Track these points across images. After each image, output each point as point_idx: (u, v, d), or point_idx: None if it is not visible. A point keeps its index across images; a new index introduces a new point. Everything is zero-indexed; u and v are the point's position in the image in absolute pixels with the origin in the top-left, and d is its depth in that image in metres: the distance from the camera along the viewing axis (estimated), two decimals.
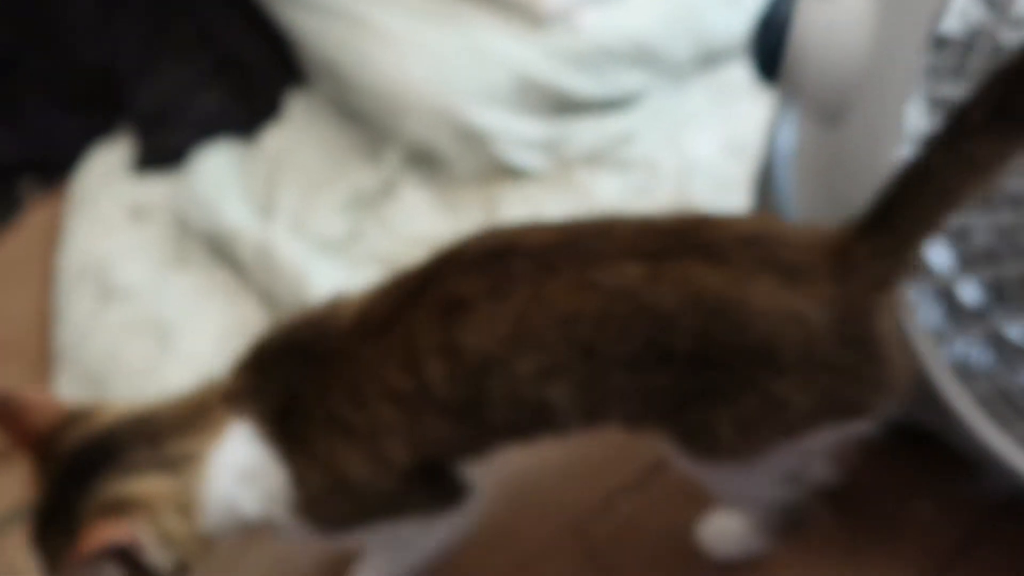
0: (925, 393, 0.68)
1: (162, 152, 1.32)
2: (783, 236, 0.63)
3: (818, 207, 0.76)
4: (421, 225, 1.21)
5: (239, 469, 0.68)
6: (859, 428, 0.65)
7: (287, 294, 1.10)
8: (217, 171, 1.28)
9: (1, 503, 1.03)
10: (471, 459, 0.74)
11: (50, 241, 1.28)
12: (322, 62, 1.31)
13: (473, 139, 1.22)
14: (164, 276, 1.19)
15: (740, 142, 1.19)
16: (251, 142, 1.34)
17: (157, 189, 1.30)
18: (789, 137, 0.81)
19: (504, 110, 1.24)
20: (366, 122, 1.29)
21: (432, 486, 0.74)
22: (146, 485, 0.65)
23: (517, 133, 1.23)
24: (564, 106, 1.26)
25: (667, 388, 0.65)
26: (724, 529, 0.83)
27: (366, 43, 1.27)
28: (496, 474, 0.97)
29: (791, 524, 0.81)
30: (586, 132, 1.24)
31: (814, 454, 0.70)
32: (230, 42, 1.40)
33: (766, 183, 0.83)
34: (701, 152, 1.20)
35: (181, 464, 0.66)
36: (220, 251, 1.19)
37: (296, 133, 1.33)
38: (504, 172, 1.23)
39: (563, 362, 0.65)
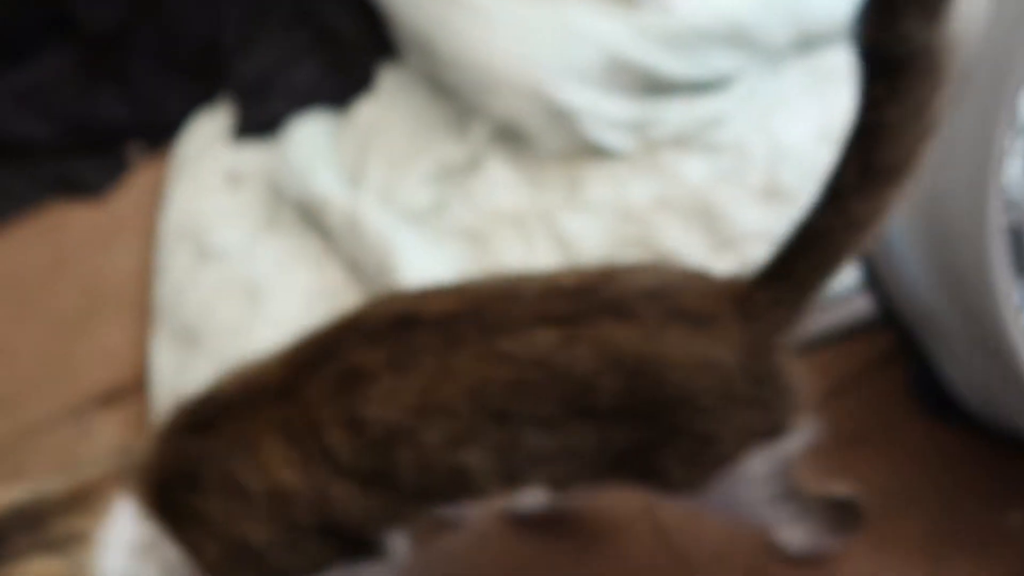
0: None
1: (259, 121, 1.37)
2: (684, 286, 0.67)
3: (917, 198, 0.73)
4: (505, 200, 1.22)
5: (131, 545, 0.67)
6: (784, 446, 0.69)
7: (373, 263, 1.13)
8: (310, 141, 1.32)
9: (99, 447, 1.10)
10: (390, 527, 0.73)
11: (154, 202, 1.35)
12: (414, 36, 1.33)
13: (560, 117, 1.22)
14: (257, 240, 1.24)
15: (835, 129, 1.15)
16: (344, 114, 1.37)
17: (253, 156, 1.35)
18: None
19: (593, 89, 1.23)
20: (455, 97, 1.30)
21: (345, 543, 0.72)
22: (34, 568, 0.64)
23: (605, 112, 1.22)
24: (654, 86, 1.25)
25: (593, 445, 0.66)
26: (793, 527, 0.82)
27: (458, 18, 1.28)
28: None
29: (845, 525, 0.81)
30: (675, 113, 1.23)
31: (765, 473, 0.72)
32: (327, 16, 1.43)
33: None
34: (794, 138, 1.17)
35: (69, 544, 0.66)
36: (310, 218, 1.23)
37: (387, 106, 1.36)
38: (590, 151, 1.23)
39: (474, 428, 0.65)
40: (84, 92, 1.44)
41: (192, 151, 1.38)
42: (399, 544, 0.76)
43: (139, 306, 1.22)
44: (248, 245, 1.23)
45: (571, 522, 0.92)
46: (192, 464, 0.68)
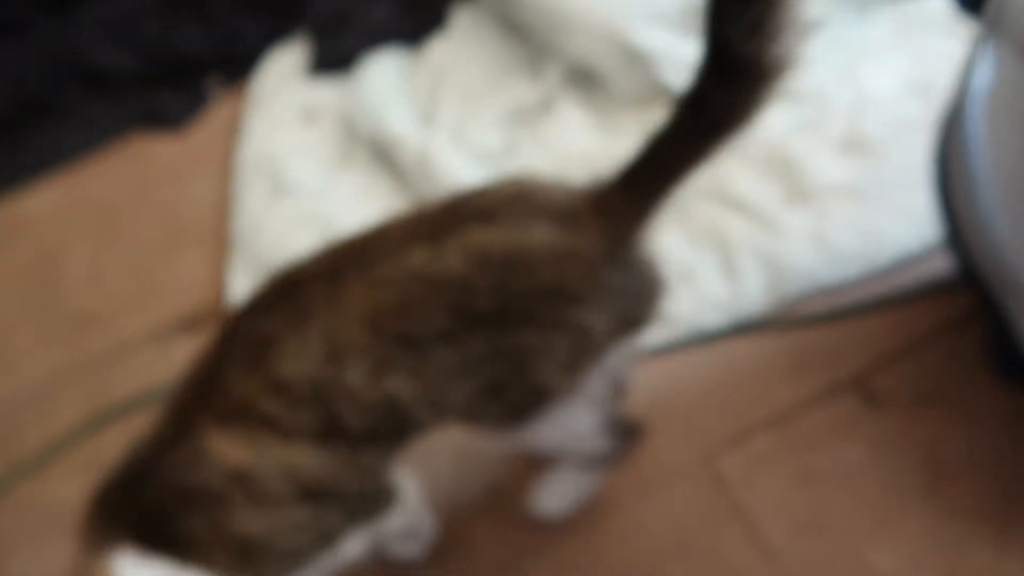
0: None
1: (334, 57, 1.38)
2: (547, 191, 0.71)
3: (1011, 152, 0.70)
4: (576, 143, 1.21)
5: None
6: (639, 339, 0.76)
7: None
8: (384, 79, 1.32)
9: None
10: (374, 475, 0.74)
11: (231, 135, 1.38)
12: None
13: (636, 60, 1.19)
14: (330, 176, 1.26)
15: (925, 79, 1.11)
16: (417, 52, 1.37)
17: (328, 93, 1.36)
18: (986, 76, 0.75)
19: (670, 31, 1.20)
20: (529, 37, 1.28)
21: (344, 502, 0.74)
22: None
23: (682, 56, 1.19)
24: None
25: (485, 353, 0.69)
26: (554, 487, 0.90)
27: None
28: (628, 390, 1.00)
29: (628, 441, 0.89)
30: None
31: (612, 373, 0.78)
32: None
33: (954, 126, 0.78)
34: (880, 88, 1.12)
35: None
36: (382, 155, 1.24)
37: (460, 45, 1.35)
38: (664, 95, 1.20)
39: (385, 357, 0.68)
40: (167, 25, 1.47)
41: (268, 86, 1.40)
42: (406, 483, 0.79)
43: (217, 236, 1.26)
44: (322, 181, 1.26)
45: (630, 467, 0.93)
46: (158, 501, 0.70)
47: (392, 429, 0.72)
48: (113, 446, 1.11)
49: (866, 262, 1.01)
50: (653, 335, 1.01)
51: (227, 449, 0.69)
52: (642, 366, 1.01)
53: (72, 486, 1.09)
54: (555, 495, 0.91)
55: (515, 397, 0.73)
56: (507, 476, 0.97)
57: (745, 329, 1.01)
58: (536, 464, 0.93)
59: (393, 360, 0.68)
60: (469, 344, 0.69)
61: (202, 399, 0.70)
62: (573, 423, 0.79)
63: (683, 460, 0.93)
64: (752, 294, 1.02)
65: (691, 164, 0.69)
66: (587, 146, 1.20)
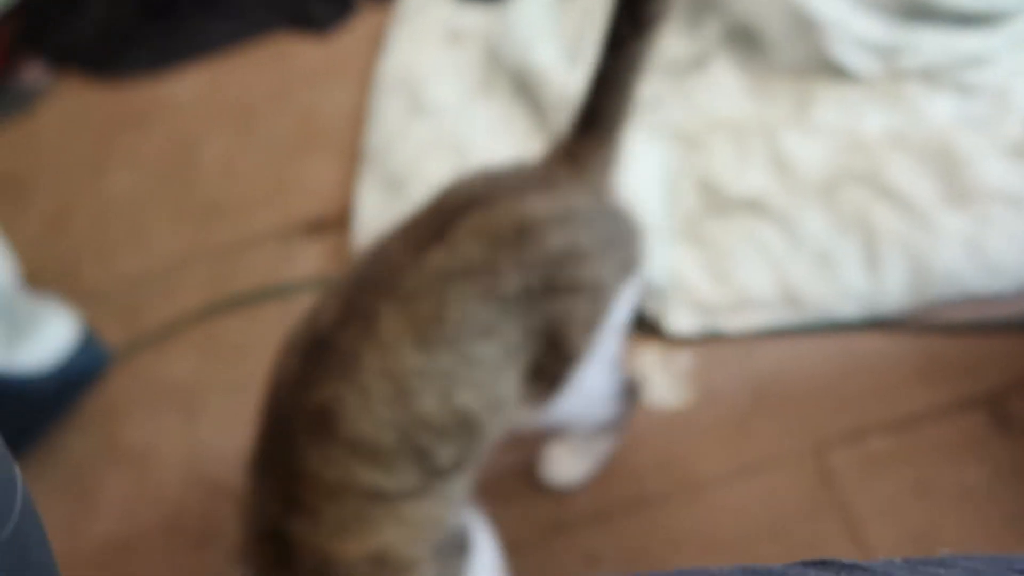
0: None
1: None
2: (516, 168, 0.74)
3: None
4: (724, 106, 1.16)
5: None
6: (637, 285, 0.77)
7: None
8: (534, 10, 1.29)
9: (300, 271, 1.18)
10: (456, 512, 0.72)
11: (374, 47, 1.37)
12: None
13: (804, 26, 1.13)
14: (470, 101, 1.25)
15: None
16: None
17: (475, 17, 1.34)
18: None
19: (846, 2, 1.14)
20: None
21: (461, 546, 0.72)
22: None
23: (854, 29, 1.12)
24: (914, 10, 1.13)
25: (521, 339, 0.68)
26: (565, 456, 0.92)
27: None
28: (740, 372, 0.97)
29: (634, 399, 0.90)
30: (931, 44, 1.11)
31: (619, 327, 0.78)
32: None
33: None
34: None
35: None
36: (524, 88, 1.22)
37: None
38: (827, 69, 1.14)
39: (443, 370, 0.65)
40: None
41: (416, 2, 1.39)
42: (478, 528, 0.76)
43: (350, 145, 1.27)
44: (460, 106, 1.25)
45: (735, 444, 0.92)
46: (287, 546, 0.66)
47: (470, 447, 0.70)
48: (228, 333, 1.16)
49: (1021, 277, 0.95)
50: (779, 313, 0.99)
51: (347, 548, 0.65)
52: (764, 344, 0.99)
53: (187, 364, 1.14)
54: (568, 464, 0.92)
55: (553, 371, 0.72)
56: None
57: (879, 325, 0.96)
58: (540, 437, 0.92)
59: (450, 372, 0.66)
60: (505, 332, 0.67)
61: (293, 508, 0.65)
62: (594, 387, 0.78)
63: (792, 447, 0.91)
64: (892, 291, 0.97)
65: (631, 79, 0.71)
66: (734, 111, 1.15)
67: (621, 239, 0.73)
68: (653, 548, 0.89)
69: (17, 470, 0.30)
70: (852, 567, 0.27)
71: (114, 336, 1.16)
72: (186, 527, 1.01)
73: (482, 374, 0.67)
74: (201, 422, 1.08)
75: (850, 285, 0.98)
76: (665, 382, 0.99)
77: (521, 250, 0.67)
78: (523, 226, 0.67)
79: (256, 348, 1.06)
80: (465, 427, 0.67)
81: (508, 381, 0.69)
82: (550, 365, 0.71)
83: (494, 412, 0.69)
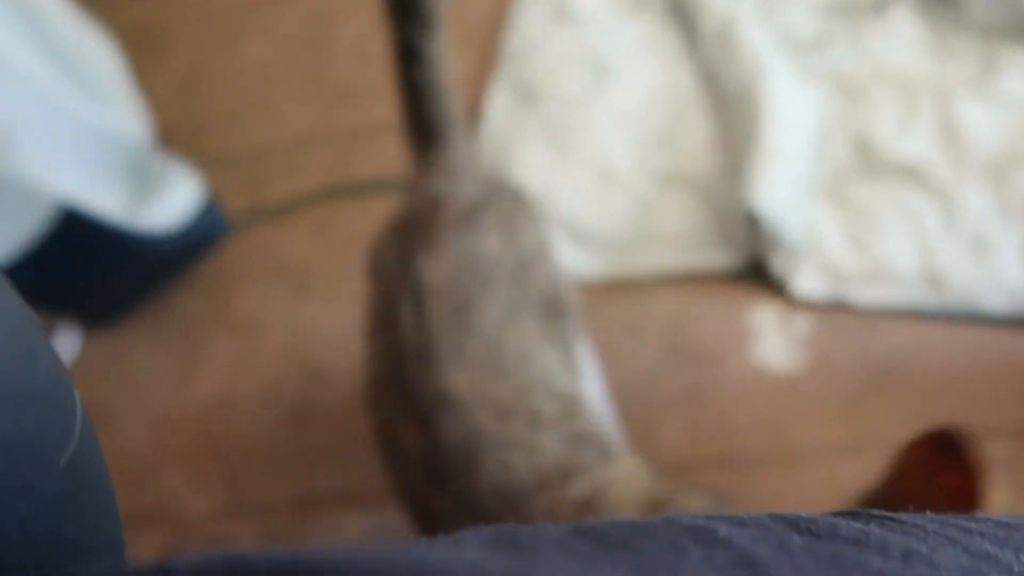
0: None
1: None
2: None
3: None
4: (898, 58, 1.06)
5: None
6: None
7: (734, 80, 1.04)
8: None
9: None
10: None
11: None
12: None
13: None
14: (617, 15, 1.18)
15: None
16: None
17: None
18: None
19: None
20: None
21: None
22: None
23: None
24: None
25: (542, 321, 0.68)
26: None
27: None
28: (861, 347, 0.92)
29: None
30: None
31: None
32: None
33: None
34: None
35: None
36: (680, 10, 1.14)
37: None
38: (1022, 34, 1.02)
39: (525, 351, 0.65)
40: None
41: None
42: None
43: (487, 44, 1.22)
44: (607, 19, 1.18)
45: (843, 421, 0.88)
46: None
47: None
48: (343, 219, 1.16)
49: None
50: (917, 293, 0.92)
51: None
52: (891, 322, 0.93)
53: (301, 244, 1.15)
54: None
55: (567, 335, 0.71)
56: (708, 380, 0.94)
57: None
58: None
59: (522, 355, 0.65)
60: (528, 301, 0.67)
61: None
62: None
63: (901, 435, 0.86)
64: None
65: (439, 78, 0.73)
66: (908, 64, 1.05)
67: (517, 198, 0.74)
68: (734, 506, 0.87)
69: (77, 394, 0.29)
70: (882, 518, 0.26)
71: (234, 205, 1.18)
72: (282, 402, 1.04)
73: (541, 351, 0.68)
74: (307, 304, 1.10)
75: (1004, 276, 0.91)
76: (779, 342, 0.95)
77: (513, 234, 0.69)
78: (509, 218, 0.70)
79: (367, 240, 1.06)
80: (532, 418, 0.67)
81: (544, 357, 0.68)
82: (565, 330, 0.72)
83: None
